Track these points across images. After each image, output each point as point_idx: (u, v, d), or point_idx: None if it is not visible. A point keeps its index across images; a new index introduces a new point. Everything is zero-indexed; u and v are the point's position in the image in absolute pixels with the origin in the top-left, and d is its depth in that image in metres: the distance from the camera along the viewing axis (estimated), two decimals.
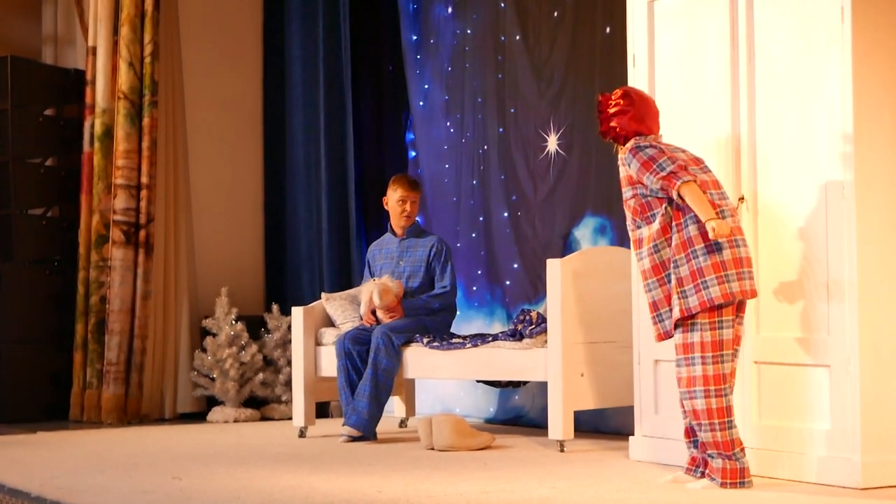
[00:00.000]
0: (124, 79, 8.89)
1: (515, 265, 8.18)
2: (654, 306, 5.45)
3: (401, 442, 7.27)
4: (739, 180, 5.73)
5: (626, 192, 5.55)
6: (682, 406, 5.43)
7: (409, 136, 9.15)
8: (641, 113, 5.58)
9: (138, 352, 8.83)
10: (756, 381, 5.65)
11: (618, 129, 5.60)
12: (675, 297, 5.33)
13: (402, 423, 8.16)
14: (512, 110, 8.24)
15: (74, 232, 9.18)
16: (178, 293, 9.17)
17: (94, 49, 9.09)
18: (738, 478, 5.30)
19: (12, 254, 9.03)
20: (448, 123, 8.74)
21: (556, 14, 7.95)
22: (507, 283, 8.24)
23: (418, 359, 7.30)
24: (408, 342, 7.34)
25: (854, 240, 5.27)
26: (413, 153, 9.10)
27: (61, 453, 6.97)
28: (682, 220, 5.36)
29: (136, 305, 8.85)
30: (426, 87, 8.90)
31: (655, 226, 5.43)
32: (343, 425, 7.27)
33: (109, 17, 9.04)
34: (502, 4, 8.33)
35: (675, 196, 5.31)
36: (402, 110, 9.19)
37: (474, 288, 8.51)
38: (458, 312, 7.87)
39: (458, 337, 7.36)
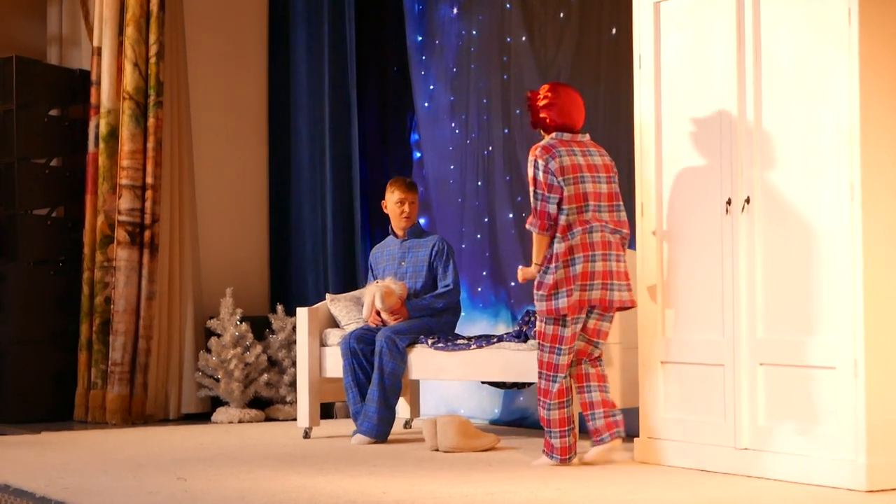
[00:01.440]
0: (129, 79, 8.89)
1: (520, 266, 8.16)
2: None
3: (406, 443, 7.27)
4: (745, 180, 5.72)
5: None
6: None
7: (414, 137, 9.14)
8: (568, 107, 6.17)
9: (143, 352, 8.83)
10: (761, 383, 5.65)
11: (547, 121, 6.18)
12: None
13: (407, 424, 8.16)
14: (517, 111, 8.24)
15: (79, 232, 9.18)
16: (183, 294, 9.17)
17: (100, 49, 9.09)
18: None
19: (17, 254, 9.04)
20: (453, 124, 8.74)
21: (561, 15, 7.95)
22: (512, 284, 8.23)
23: (423, 360, 7.29)
24: (412, 343, 7.34)
25: (860, 240, 5.26)
26: (418, 154, 9.10)
27: (66, 454, 6.97)
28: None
29: (140, 306, 8.85)
30: (431, 88, 8.90)
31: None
32: (355, 433, 7.26)
33: (114, 17, 9.04)
34: (508, 5, 8.32)
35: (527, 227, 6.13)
36: (407, 111, 9.19)
37: (479, 289, 8.50)
38: (462, 313, 7.87)
39: (463, 338, 7.36)
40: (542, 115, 6.18)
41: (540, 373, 6.13)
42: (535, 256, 6.11)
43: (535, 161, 6.06)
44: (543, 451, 6.16)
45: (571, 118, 6.17)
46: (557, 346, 6.07)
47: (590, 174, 6.08)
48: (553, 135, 6.16)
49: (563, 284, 5.99)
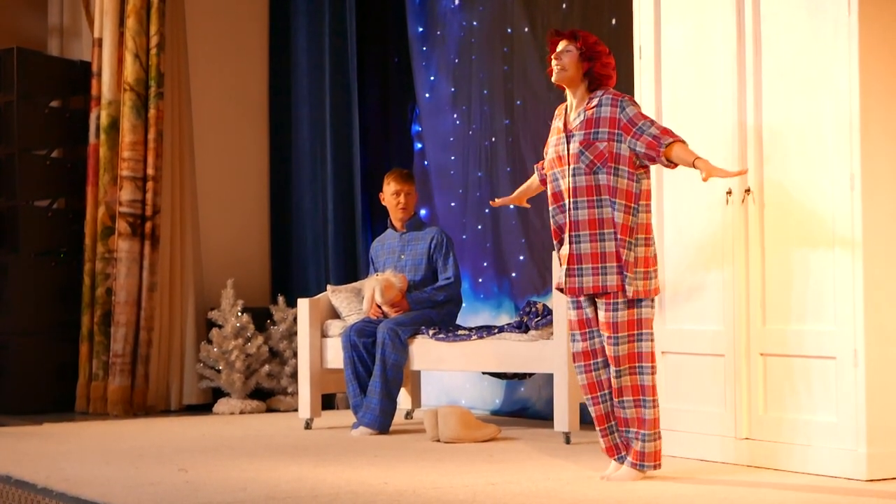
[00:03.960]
0: (130, 70, 8.89)
1: (522, 257, 8.18)
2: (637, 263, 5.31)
3: (407, 434, 7.28)
4: (746, 172, 5.71)
5: (601, 134, 5.31)
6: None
7: (416, 127, 9.14)
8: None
9: (144, 343, 8.84)
10: (762, 373, 5.65)
11: (612, 81, 5.46)
12: (623, 276, 5.26)
13: (408, 415, 8.17)
14: (519, 102, 8.23)
15: (80, 224, 9.19)
16: (184, 285, 9.18)
17: (100, 41, 9.09)
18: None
19: (18, 245, 9.04)
20: (454, 115, 8.74)
21: (563, 6, 7.94)
22: (514, 274, 8.24)
23: (424, 351, 7.30)
24: (414, 334, 7.34)
25: (860, 231, 5.26)
26: (419, 145, 9.10)
27: (67, 445, 6.97)
28: (637, 204, 5.31)
29: (142, 297, 8.86)
30: (432, 78, 8.90)
31: (619, 184, 5.28)
32: (356, 425, 7.26)
33: (115, 8, 9.04)
34: None
35: (663, 155, 5.21)
36: (408, 102, 9.19)
37: (480, 280, 8.50)
38: (463, 304, 7.87)
39: (464, 329, 7.36)
40: (612, 69, 5.47)
41: (642, 366, 5.32)
42: (692, 156, 5.17)
43: (628, 99, 5.35)
44: (632, 461, 5.37)
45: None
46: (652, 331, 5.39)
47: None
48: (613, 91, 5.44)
49: (654, 263, 5.35)
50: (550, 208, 5.45)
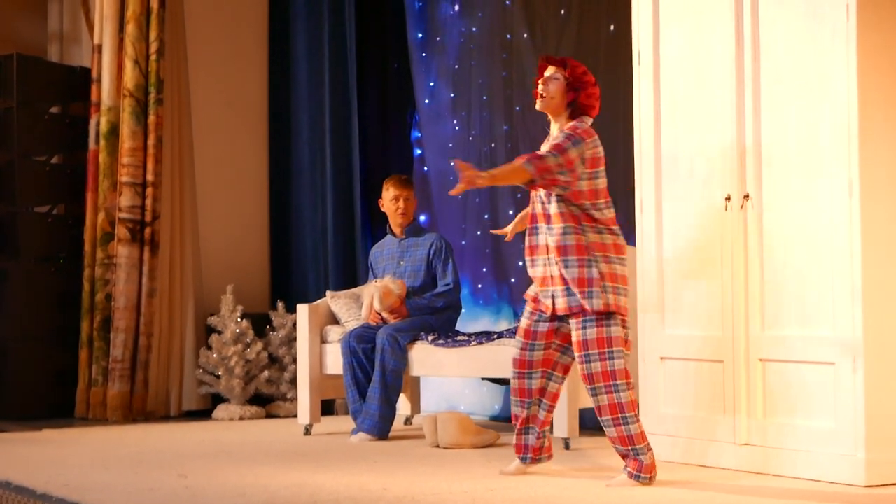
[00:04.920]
0: (130, 76, 8.90)
1: (521, 263, 8.18)
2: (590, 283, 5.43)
3: (406, 439, 7.28)
4: (744, 178, 5.72)
5: None
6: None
7: (415, 133, 9.15)
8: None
9: (144, 349, 8.84)
10: (761, 379, 5.65)
11: (594, 111, 5.59)
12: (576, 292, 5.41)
13: (408, 421, 8.17)
14: (518, 108, 8.24)
15: (80, 229, 9.19)
16: (184, 291, 9.18)
17: (100, 47, 9.09)
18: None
19: (18, 251, 9.04)
20: (454, 121, 8.75)
21: (562, 12, 7.95)
22: (514, 280, 8.24)
23: (423, 356, 7.30)
24: (413, 340, 7.35)
25: (859, 237, 5.27)
26: (419, 151, 9.11)
27: (67, 451, 6.97)
28: (580, 226, 5.46)
29: (141, 303, 8.86)
30: (432, 84, 8.91)
31: (562, 209, 5.46)
32: (355, 431, 7.27)
33: (115, 14, 9.05)
34: (508, 2, 8.33)
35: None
36: (407, 108, 9.20)
37: (480, 286, 8.51)
38: (463, 310, 7.88)
39: (463, 335, 7.36)
40: (596, 100, 5.58)
41: (617, 384, 5.38)
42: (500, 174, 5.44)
43: (574, 136, 5.44)
44: (630, 471, 5.42)
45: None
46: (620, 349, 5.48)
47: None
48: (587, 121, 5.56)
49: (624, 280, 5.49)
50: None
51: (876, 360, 5.27)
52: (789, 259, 5.55)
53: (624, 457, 5.44)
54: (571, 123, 5.51)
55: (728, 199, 5.77)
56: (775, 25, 5.64)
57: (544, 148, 5.52)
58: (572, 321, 5.44)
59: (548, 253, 5.50)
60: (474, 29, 8.64)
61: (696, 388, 5.94)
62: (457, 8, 8.76)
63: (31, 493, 5.41)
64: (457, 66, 8.75)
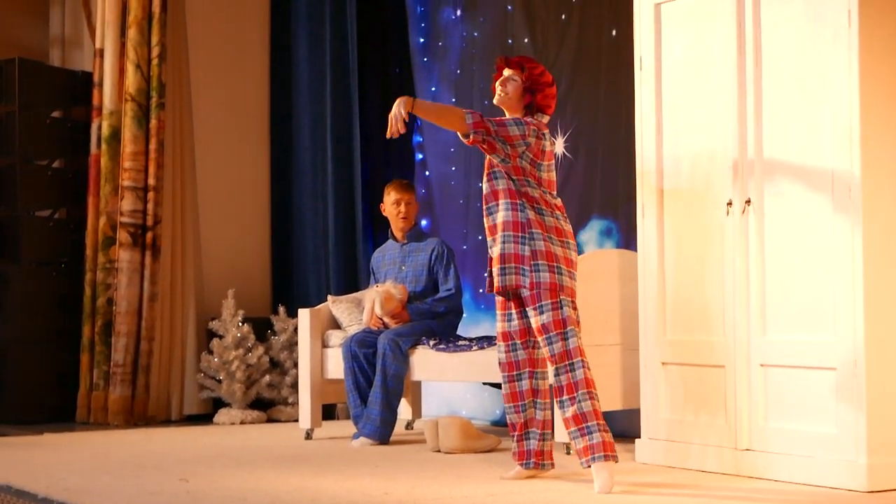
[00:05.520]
0: (131, 81, 8.91)
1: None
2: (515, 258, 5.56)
3: (407, 444, 7.28)
4: (746, 183, 5.72)
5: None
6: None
7: (417, 138, 9.15)
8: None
9: (145, 354, 8.84)
10: (762, 384, 5.65)
11: (550, 110, 5.76)
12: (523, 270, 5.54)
13: (409, 426, 8.17)
14: None
15: (81, 234, 9.20)
16: (185, 295, 9.18)
17: (102, 51, 9.10)
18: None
19: (19, 255, 9.05)
20: None
21: (563, 17, 7.96)
22: None
23: (425, 361, 7.30)
24: (415, 345, 7.34)
25: (860, 242, 5.27)
26: (420, 156, 9.11)
27: (68, 455, 6.97)
28: (519, 202, 5.58)
29: (142, 307, 8.86)
30: (434, 89, 8.91)
31: (506, 185, 5.62)
32: (357, 436, 7.26)
33: (117, 19, 9.05)
34: (509, 7, 8.33)
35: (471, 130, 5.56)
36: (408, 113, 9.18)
37: (481, 290, 8.51)
38: (464, 314, 7.88)
39: (465, 339, 7.36)
40: (552, 99, 5.74)
41: (573, 363, 5.44)
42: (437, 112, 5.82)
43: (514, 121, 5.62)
44: (583, 461, 5.41)
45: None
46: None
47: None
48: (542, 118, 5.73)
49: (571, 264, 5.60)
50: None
51: (877, 366, 5.27)
52: (790, 264, 5.55)
53: (542, 452, 5.65)
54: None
55: (730, 204, 5.77)
56: (777, 30, 5.64)
57: None
58: (529, 309, 5.53)
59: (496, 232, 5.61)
60: (476, 34, 8.65)
61: (697, 393, 5.94)
62: (458, 13, 8.77)
63: (32, 498, 5.41)
64: (458, 71, 8.75)
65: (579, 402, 5.41)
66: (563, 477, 5.79)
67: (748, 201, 5.70)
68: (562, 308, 5.48)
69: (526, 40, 8.19)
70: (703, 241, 5.93)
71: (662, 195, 6.14)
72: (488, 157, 5.62)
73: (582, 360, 5.46)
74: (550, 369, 5.53)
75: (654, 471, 5.93)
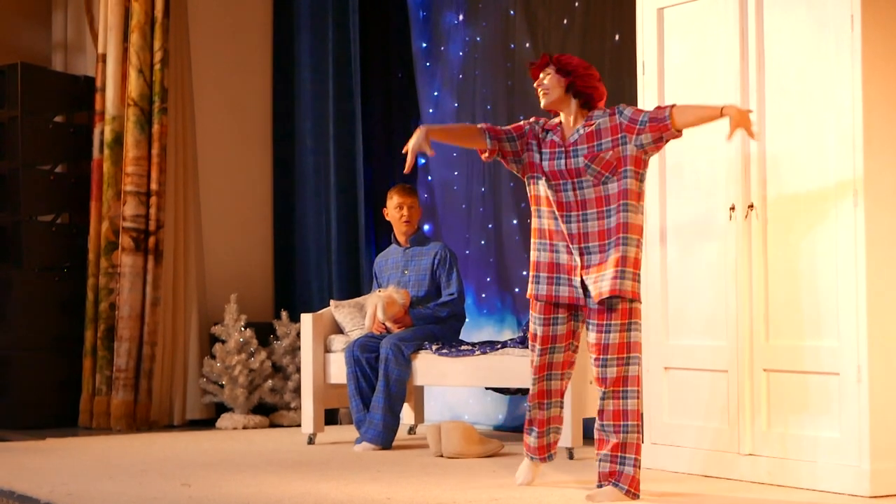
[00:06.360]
0: (134, 86, 8.91)
1: (525, 272, 8.18)
2: (636, 263, 5.36)
3: (410, 449, 7.27)
4: (749, 188, 5.72)
5: (605, 144, 5.35)
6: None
7: None
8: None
9: (147, 358, 8.84)
10: (765, 389, 5.65)
11: (602, 101, 5.50)
12: (611, 273, 5.30)
13: (411, 430, 8.17)
14: (521, 117, 8.22)
15: (84, 238, 9.20)
16: (188, 300, 9.18)
17: (104, 56, 9.10)
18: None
19: (22, 260, 9.05)
20: None
21: (565, 22, 7.96)
22: (517, 290, 8.24)
23: (427, 366, 7.30)
24: (417, 350, 7.34)
25: (863, 247, 5.27)
26: (422, 160, 9.11)
27: (70, 460, 6.97)
28: (641, 203, 5.37)
29: (145, 312, 8.86)
30: (436, 94, 8.91)
31: (629, 185, 5.32)
32: (359, 441, 7.26)
33: (119, 24, 9.06)
34: (512, 12, 8.34)
35: (672, 126, 5.23)
36: (411, 117, 9.20)
37: (483, 295, 8.51)
38: (466, 319, 7.88)
39: (467, 344, 7.36)
40: (597, 81, 5.48)
41: (633, 358, 5.33)
42: (710, 110, 5.24)
43: (624, 106, 5.42)
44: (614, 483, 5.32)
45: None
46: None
47: None
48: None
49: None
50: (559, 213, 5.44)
51: (880, 370, 5.27)
52: (794, 269, 5.55)
53: (611, 472, 5.33)
54: (606, 110, 5.41)
55: (732, 208, 5.77)
56: (780, 35, 5.64)
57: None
58: (594, 318, 5.35)
59: (588, 241, 5.37)
60: (478, 38, 8.65)
61: (701, 398, 5.94)
62: (461, 17, 8.77)
63: (34, 503, 5.41)
64: (461, 76, 8.76)
65: (625, 432, 5.30)
66: (566, 483, 5.78)
67: (751, 206, 5.70)
68: (631, 306, 5.33)
69: (528, 45, 8.20)
70: (705, 245, 5.93)
71: (665, 199, 6.14)
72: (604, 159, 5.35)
73: (638, 355, 5.33)
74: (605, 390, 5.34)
75: (657, 476, 5.93)
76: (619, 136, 5.34)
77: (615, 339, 5.29)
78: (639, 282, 5.33)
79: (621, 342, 5.29)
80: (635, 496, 5.25)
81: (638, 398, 5.32)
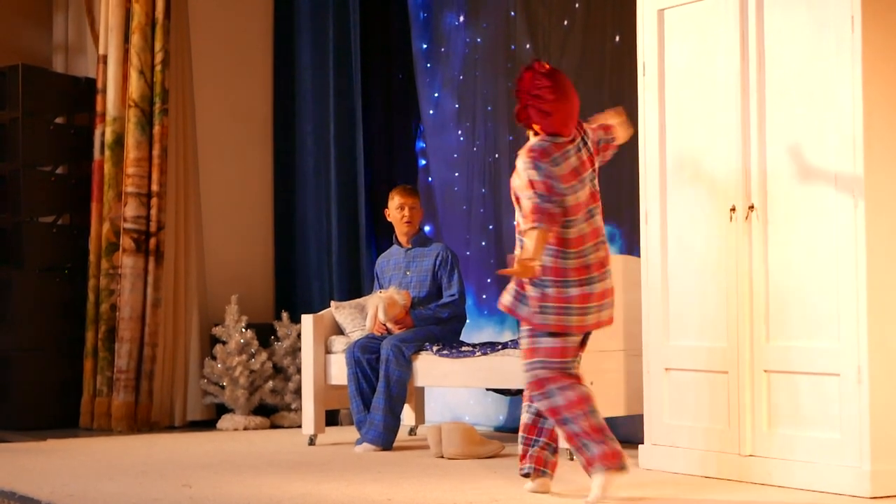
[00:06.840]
0: (135, 87, 8.91)
1: None
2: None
3: (410, 450, 7.28)
4: (749, 189, 5.72)
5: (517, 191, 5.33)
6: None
7: (420, 144, 9.15)
8: (567, 111, 5.38)
9: (148, 359, 8.84)
10: (765, 390, 5.65)
11: (532, 119, 5.34)
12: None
13: (412, 431, 8.17)
14: None
15: (85, 240, 9.20)
16: (188, 301, 9.18)
17: (105, 57, 9.11)
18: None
19: (23, 261, 9.05)
20: (458, 132, 8.75)
21: (565, 23, 7.96)
22: None
23: (428, 367, 7.30)
24: (418, 351, 7.35)
25: (864, 248, 5.27)
26: (423, 161, 9.11)
27: (71, 461, 6.98)
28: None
29: (146, 313, 8.86)
30: (436, 95, 8.91)
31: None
32: (360, 442, 7.26)
33: (120, 25, 9.06)
34: (512, 13, 8.34)
35: (524, 229, 5.24)
36: (412, 119, 9.20)
37: (484, 296, 8.51)
38: (467, 320, 7.88)
39: (468, 345, 7.36)
40: (541, 116, 5.34)
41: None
42: (533, 253, 5.20)
43: (533, 160, 5.23)
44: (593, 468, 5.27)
45: (566, 127, 5.40)
46: None
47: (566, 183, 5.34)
48: (539, 139, 5.37)
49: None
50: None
51: (881, 371, 5.27)
52: (794, 270, 5.54)
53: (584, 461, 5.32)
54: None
55: (733, 209, 5.77)
56: (780, 36, 5.64)
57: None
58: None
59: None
60: (479, 39, 8.65)
61: (701, 399, 5.94)
62: (461, 19, 8.77)
63: None
64: (461, 77, 8.76)
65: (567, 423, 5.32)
66: (566, 483, 5.78)
67: (752, 207, 5.70)
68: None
69: (528, 46, 8.19)
70: (706, 246, 5.93)
71: (665, 201, 6.14)
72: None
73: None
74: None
75: (658, 477, 5.93)
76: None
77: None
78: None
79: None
80: (617, 469, 5.19)
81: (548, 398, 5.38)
